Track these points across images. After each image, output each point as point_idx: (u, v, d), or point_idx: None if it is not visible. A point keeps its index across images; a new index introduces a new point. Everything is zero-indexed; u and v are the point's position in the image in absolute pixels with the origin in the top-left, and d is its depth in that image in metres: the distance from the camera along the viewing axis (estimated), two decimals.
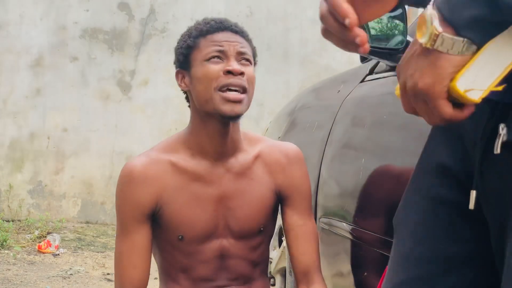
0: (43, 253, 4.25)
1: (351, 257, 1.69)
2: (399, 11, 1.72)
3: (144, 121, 5.19)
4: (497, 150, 0.75)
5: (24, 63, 5.12)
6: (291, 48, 5.35)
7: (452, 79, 0.73)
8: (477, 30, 0.71)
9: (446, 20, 0.73)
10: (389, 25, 1.76)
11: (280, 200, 1.59)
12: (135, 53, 5.23)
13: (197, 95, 1.46)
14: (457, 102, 0.74)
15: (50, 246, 4.31)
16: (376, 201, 1.54)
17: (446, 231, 0.88)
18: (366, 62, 1.98)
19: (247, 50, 1.48)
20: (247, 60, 1.47)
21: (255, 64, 1.52)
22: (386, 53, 1.66)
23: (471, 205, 0.80)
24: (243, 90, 1.44)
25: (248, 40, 1.51)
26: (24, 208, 5.08)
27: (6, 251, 4.20)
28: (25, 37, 5.12)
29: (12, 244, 4.34)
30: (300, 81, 5.28)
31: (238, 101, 1.42)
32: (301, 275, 1.56)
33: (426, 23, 0.74)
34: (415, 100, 0.77)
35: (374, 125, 1.64)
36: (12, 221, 4.80)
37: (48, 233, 4.61)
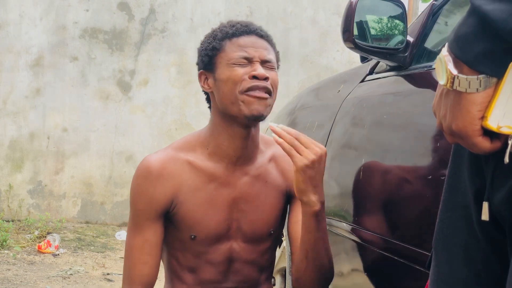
0: (43, 253, 4.25)
1: (351, 257, 1.69)
2: (399, 11, 1.72)
3: (144, 121, 5.18)
4: (507, 159, 0.76)
5: (24, 63, 5.11)
6: (291, 48, 5.35)
7: (483, 117, 0.75)
8: (490, 63, 0.72)
9: (458, 58, 0.74)
10: (389, 25, 1.76)
11: (289, 199, 1.61)
12: (135, 53, 5.22)
13: (221, 97, 1.47)
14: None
15: (50, 246, 4.31)
16: (376, 201, 1.53)
17: (485, 252, 0.85)
18: (366, 62, 1.98)
19: (271, 57, 1.49)
20: (272, 66, 1.48)
21: (278, 67, 1.53)
22: (386, 53, 1.66)
23: (484, 217, 0.80)
24: (268, 92, 1.45)
25: (273, 45, 1.52)
26: (24, 208, 5.07)
27: (6, 251, 4.20)
28: (25, 37, 5.11)
29: (12, 244, 4.33)
30: (300, 81, 5.27)
31: (263, 98, 1.44)
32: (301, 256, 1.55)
33: (442, 66, 0.76)
34: (454, 138, 0.79)
35: (374, 125, 1.64)
36: (12, 221, 4.80)
37: (48, 233, 4.61)
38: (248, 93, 1.43)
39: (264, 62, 1.46)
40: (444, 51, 0.77)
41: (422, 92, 1.51)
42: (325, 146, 1.91)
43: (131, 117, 5.20)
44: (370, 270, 1.57)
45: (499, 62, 0.72)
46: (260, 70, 1.44)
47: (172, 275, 1.59)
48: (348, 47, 1.68)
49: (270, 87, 1.46)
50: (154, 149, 5.15)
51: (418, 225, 1.34)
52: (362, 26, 1.71)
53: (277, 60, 1.53)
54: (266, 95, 1.44)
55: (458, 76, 0.74)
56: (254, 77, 1.43)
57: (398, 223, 1.44)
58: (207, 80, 1.51)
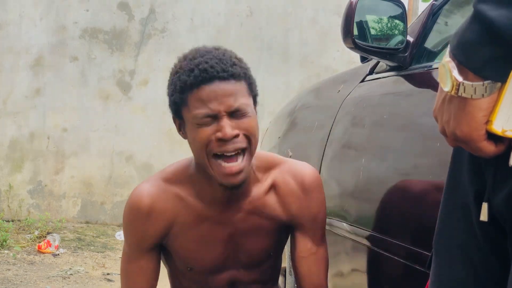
0: (43, 253, 4.24)
1: (351, 257, 1.69)
2: (399, 11, 1.72)
3: (144, 121, 5.18)
4: (511, 162, 0.76)
5: (24, 63, 5.11)
6: (291, 48, 5.35)
7: (488, 122, 0.75)
8: (494, 68, 0.72)
9: (462, 65, 0.74)
10: (389, 25, 1.76)
11: (291, 225, 1.52)
12: (135, 53, 5.22)
13: (194, 154, 1.37)
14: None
15: (50, 246, 4.31)
16: (376, 201, 1.53)
17: (485, 253, 0.86)
18: (366, 62, 1.98)
19: (242, 101, 1.30)
20: (243, 113, 1.31)
21: (255, 96, 1.37)
22: (386, 53, 1.66)
23: (483, 218, 0.80)
24: (241, 151, 1.31)
25: (242, 77, 1.32)
26: (24, 208, 5.07)
27: (6, 251, 4.20)
28: (25, 37, 5.11)
29: (12, 244, 4.33)
30: (300, 81, 5.27)
31: (236, 173, 1.31)
32: None
33: (446, 73, 0.76)
34: (458, 143, 0.79)
35: (374, 125, 1.64)
36: (12, 221, 4.80)
37: (48, 233, 4.61)
38: (218, 164, 1.31)
39: (232, 112, 1.29)
40: (447, 57, 0.77)
41: (422, 92, 1.51)
42: (325, 146, 1.91)
43: (131, 117, 5.20)
44: (370, 270, 1.57)
45: (504, 67, 0.72)
46: (226, 130, 1.28)
47: None
48: (348, 47, 1.68)
49: (242, 144, 1.31)
50: (154, 149, 5.16)
51: (418, 225, 1.34)
52: (362, 26, 1.71)
53: (253, 90, 1.35)
54: (238, 167, 1.30)
55: (463, 83, 0.74)
56: (221, 140, 1.29)
57: (398, 223, 1.44)
58: (181, 127, 1.39)
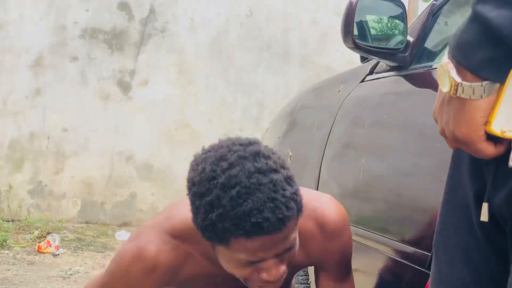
0: (43, 253, 4.24)
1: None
2: (399, 11, 1.72)
3: (144, 121, 5.18)
4: (511, 163, 0.76)
5: (24, 63, 5.11)
6: (291, 48, 5.35)
7: (487, 123, 0.75)
8: (493, 69, 0.72)
9: (461, 65, 0.74)
10: (389, 25, 1.76)
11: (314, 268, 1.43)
12: (135, 53, 5.22)
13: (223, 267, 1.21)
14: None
15: (50, 246, 4.31)
16: (376, 201, 1.53)
17: (485, 253, 0.86)
18: (366, 62, 1.98)
19: (292, 236, 1.13)
20: (291, 248, 1.15)
21: (300, 214, 1.14)
22: (386, 53, 1.66)
23: (483, 218, 0.80)
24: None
25: (295, 214, 1.11)
26: (24, 208, 5.07)
27: (6, 251, 4.20)
28: (25, 37, 5.11)
29: (12, 244, 4.33)
30: (300, 81, 5.27)
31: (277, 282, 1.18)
32: None
33: (444, 73, 0.76)
34: (457, 145, 0.79)
35: (374, 125, 1.64)
36: (12, 221, 4.80)
37: (48, 233, 4.60)
38: (258, 285, 1.18)
39: (280, 253, 1.15)
40: (446, 58, 0.76)
41: (422, 92, 1.51)
42: (325, 146, 1.91)
43: (131, 117, 5.19)
44: (370, 270, 1.57)
45: (503, 68, 0.72)
46: (274, 274, 1.14)
47: None
48: (348, 47, 1.68)
49: (285, 274, 1.18)
50: (154, 149, 5.15)
51: (418, 224, 1.34)
52: (362, 26, 1.72)
53: (299, 212, 1.13)
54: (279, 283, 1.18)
55: (462, 84, 0.74)
56: (268, 281, 1.16)
57: (398, 223, 1.44)
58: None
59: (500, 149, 0.77)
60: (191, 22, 5.26)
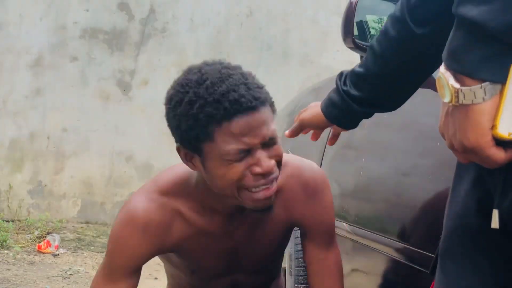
0: (43, 253, 4.24)
1: (351, 257, 1.69)
2: None
3: (144, 121, 5.18)
4: None
5: (24, 63, 5.11)
6: (291, 48, 5.35)
7: (493, 127, 0.73)
8: (489, 68, 0.71)
9: (457, 72, 0.73)
10: None
11: (298, 228, 1.48)
12: (135, 53, 5.22)
13: (215, 187, 1.26)
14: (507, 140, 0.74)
15: (50, 246, 4.31)
16: (376, 201, 1.53)
17: (492, 260, 0.85)
18: None
19: (271, 126, 1.20)
20: (274, 141, 1.22)
21: (273, 108, 1.25)
22: None
23: (494, 225, 0.78)
24: (275, 180, 1.24)
25: (267, 101, 1.22)
26: (24, 208, 5.07)
27: (6, 251, 4.20)
28: (25, 37, 5.11)
29: (12, 244, 4.33)
30: (300, 81, 5.27)
31: (270, 196, 1.24)
32: None
33: (443, 84, 0.75)
34: (468, 156, 0.78)
35: (374, 125, 1.64)
36: (12, 221, 4.80)
37: (48, 233, 4.60)
38: (252, 194, 1.22)
39: (266, 142, 1.20)
40: (442, 69, 0.76)
41: (422, 92, 1.51)
42: (325, 146, 1.91)
43: (131, 117, 5.19)
44: (370, 270, 1.57)
45: (498, 65, 0.71)
46: (266, 165, 1.19)
47: None
48: (348, 47, 1.68)
49: (276, 172, 1.24)
50: (154, 149, 5.15)
51: (418, 225, 1.34)
52: (362, 26, 1.72)
53: (273, 110, 1.25)
54: (273, 190, 1.23)
55: (461, 89, 0.73)
56: (260, 174, 1.20)
57: (398, 223, 1.44)
58: (192, 159, 1.26)
59: (511, 154, 0.75)
60: (191, 22, 5.26)
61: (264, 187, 1.22)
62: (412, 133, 1.42)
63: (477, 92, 0.72)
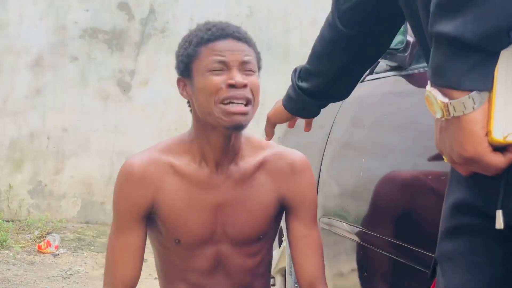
0: (43, 253, 4.25)
1: (351, 257, 1.69)
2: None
3: (144, 121, 5.18)
4: None
5: (24, 63, 5.11)
6: (291, 48, 5.35)
7: (487, 133, 0.75)
8: (475, 77, 0.73)
9: (444, 87, 0.75)
10: None
11: (284, 209, 1.56)
12: (135, 53, 5.23)
13: (198, 106, 1.43)
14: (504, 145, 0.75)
15: (50, 246, 4.31)
16: (376, 201, 1.53)
17: (494, 260, 0.85)
18: None
19: (250, 58, 1.42)
20: (251, 69, 1.42)
21: (259, 68, 1.47)
22: (386, 53, 1.65)
23: (499, 225, 0.79)
24: (247, 102, 1.40)
25: (252, 46, 1.45)
26: (24, 208, 5.07)
27: (6, 251, 4.20)
28: (25, 37, 5.11)
29: (12, 244, 4.34)
30: None
31: (242, 113, 1.38)
32: (306, 286, 1.53)
33: (432, 101, 0.78)
34: (469, 167, 0.79)
35: (374, 125, 1.64)
36: (12, 221, 4.80)
37: (48, 233, 4.61)
38: (225, 107, 1.38)
39: (242, 64, 1.40)
40: (428, 87, 0.78)
41: (422, 92, 1.51)
42: (325, 146, 1.91)
43: (131, 117, 5.20)
44: (370, 270, 1.57)
45: (482, 73, 0.73)
46: (237, 78, 1.37)
47: (164, 280, 1.58)
48: None
49: (249, 95, 1.40)
50: None
51: (418, 225, 1.34)
52: None
53: (258, 61, 1.47)
54: (245, 109, 1.39)
55: (451, 103, 0.75)
56: (232, 86, 1.37)
57: (398, 223, 1.44)
58: (186, 88, 1.46)
59: (510, 157, 0.76)
60: (191, 22, 5.26)
61: (237, 102, 1.38)
62: (412, 133, 1.42)
63: (466, 103, 0.74)
